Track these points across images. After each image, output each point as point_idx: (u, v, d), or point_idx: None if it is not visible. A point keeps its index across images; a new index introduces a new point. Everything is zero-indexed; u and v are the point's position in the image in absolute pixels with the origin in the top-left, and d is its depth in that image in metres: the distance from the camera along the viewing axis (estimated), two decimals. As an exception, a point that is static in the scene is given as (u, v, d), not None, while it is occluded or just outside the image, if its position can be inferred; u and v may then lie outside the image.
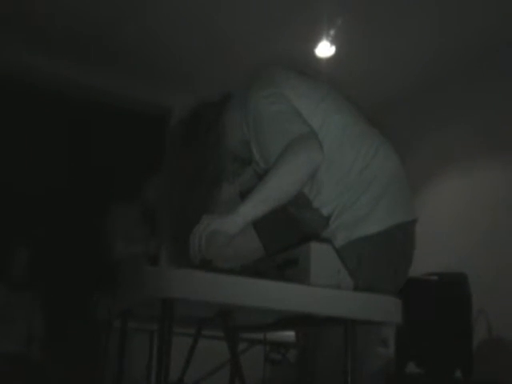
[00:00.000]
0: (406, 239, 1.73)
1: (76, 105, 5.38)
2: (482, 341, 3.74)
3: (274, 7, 4.00)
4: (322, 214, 1.69)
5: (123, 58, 4.78)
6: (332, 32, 4.17)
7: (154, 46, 4.60)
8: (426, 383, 3.38)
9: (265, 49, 4.37)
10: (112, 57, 4.78)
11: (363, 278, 1.55)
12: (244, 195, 1.70)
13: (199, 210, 1.60)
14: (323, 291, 1.26)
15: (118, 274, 3.78)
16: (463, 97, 4.50)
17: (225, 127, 1.84)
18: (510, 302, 3.64)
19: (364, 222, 1.64)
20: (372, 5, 3.91)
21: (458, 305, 3.41)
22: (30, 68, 4.73)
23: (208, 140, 1.82)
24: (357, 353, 1.38)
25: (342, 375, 1.36)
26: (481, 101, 4.32)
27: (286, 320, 1.55)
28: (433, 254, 3.93)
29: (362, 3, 3.90)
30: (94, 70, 4.89)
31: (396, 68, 4.65)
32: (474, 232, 4.12)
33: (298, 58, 4.26)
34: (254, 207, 1.55)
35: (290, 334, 3.31)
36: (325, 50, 4.34)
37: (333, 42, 4.28)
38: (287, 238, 1.77)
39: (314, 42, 4.30)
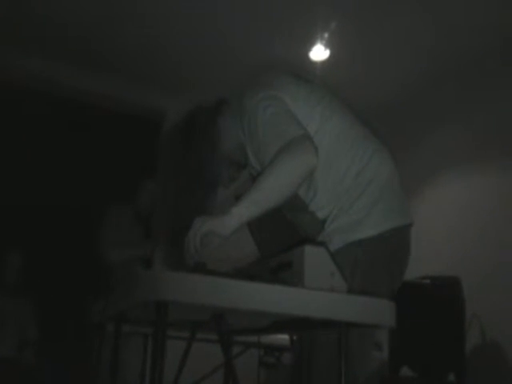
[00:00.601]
0: (402, 243, 1.73)
1: (70, 108, 5.37)
2: (475, 345, 3.75)
3: (268, 11, 4.00)
4: (317, 217, 1.69)
5: (117, 61, 4.78)
6: (326, 36, 4.18)
7: (149, 49, 4.59)
8: (419, 387, 3.38)
9: (259, 52, 4.37)
10: (106, 61, 4.77)
11: (358, 282, 1.55)
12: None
13: (195, 215, 1.59)
14: (317, 294, 1.26)
15: (111, 278, 3.78)
16: (459, 100, 4.50)
17: (220, 131, 1.84)
18: (503, 306, 3.65)
19: (360, 225, 1.64)
20: (366, 8, 3.92)
21: (452, 308, 3.42)
22: (24, 71, 4.72)
23: (203, 144, 1.82)
24: (351, 356, 1.38)
25: (336, 378, 1.36)
26: (477, 104, 4.33)
27: (280, 323, 1.56)
28: (426, 257, 3.94)
29: (356, 7, 3.91)
30: (88, 73, 4.88)
31: (391, 71, 4.66)
32: (468, 236, 4.12)
33: (293, 62, 4.27)
34: (248, 208, 1.55)
35: (284, 338, 3.31)
36: (319, 53, 4.35)
37: (327, 45, 4.28)
38: (283, 241, 1.77)
39: (309, 45, 4.30)
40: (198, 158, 1.82)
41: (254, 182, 1.60)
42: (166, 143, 2.00)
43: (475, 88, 4.35)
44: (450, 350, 3.36)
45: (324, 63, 4.46)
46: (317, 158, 1.59)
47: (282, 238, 1.82)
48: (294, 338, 2.33)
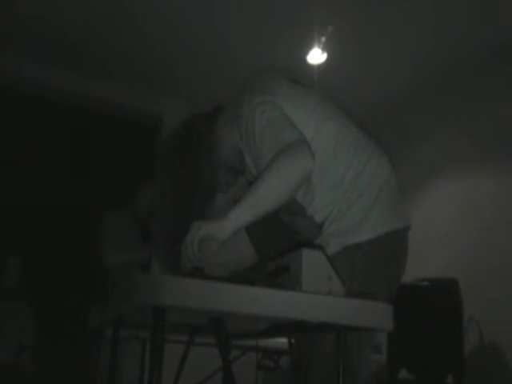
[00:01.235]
0: (399, 246, 1.74)
1: (68, 113, 5.37)
2: (474, 347, 3.75)
3: (265, 15, 4.01)
4: (315, 221, 1.70)
5: (115, 67, 4.79)
6: (323, 39, 4.18)
7: (146, 54, 4.60)
8: (418, 389, 3.38)
9: (256, 56, 4.38)
10: (103, 66, 4.78)
11: (356, 285, 1.55)
12: None
13: (192, 220, 1.59)
14: (315, 298, 1.26)
15: (110, 282, 3.77)
16: (456, 103, 4.51)
17: (217, 137, 1.85)
18: (501, 308, 3.65)
19: (357, 228, 1.65)
20: (362, 12, 3.93)
21: (450, 311, 3.42)
22: (22, 76, 4.73)
23: (201, 151, 1.83)
24: (349, 359, 1.38)
25: (334, 382, 1.36)
26: (474, 106, 4.34)
27: (279, 327, 1.56)
28: (424, 259, 3.94)
29: (353, 10, 3.92)
30: (85, 78, 4.89)
31: (387, 74, 4.67)
32: (466, 238, 4.13)
33: (290, 65, 4.27)
34: (245, 212, 1.55)
35: (282, 341, 3.30)
36: (316, 56, 4.36)
37: (324, 48, 4.29)
38: (281, 245, 1.77)
39: (306, 49, 4.31)
40: (196, 165, 1.82)
41: (251, 187, 1.60)
42: (163, 150, 1.99)
43: (472, 90, 4.36)
44: (448, 353, 3.36)
45: (321, 66, 4.46)
46: (313, 161, 1.59)
47: (280, 242, 1.83)
48: (293, 341, 2.33)
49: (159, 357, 1.15)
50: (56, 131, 5.74)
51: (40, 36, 4.41)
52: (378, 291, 1.59)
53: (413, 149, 4.85)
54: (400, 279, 1.74)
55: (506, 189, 3.96)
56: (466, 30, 4.04)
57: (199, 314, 1.31)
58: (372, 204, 1.67)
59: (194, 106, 1.97)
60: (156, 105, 5.16)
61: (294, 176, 1.58)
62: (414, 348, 3.42)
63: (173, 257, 1.65)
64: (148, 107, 5.19)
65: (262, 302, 1.19)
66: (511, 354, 3.63)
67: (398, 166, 1.85)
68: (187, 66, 4.74)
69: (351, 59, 4.50)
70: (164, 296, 1.11)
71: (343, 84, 4.63)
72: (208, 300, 1.14)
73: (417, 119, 4.88)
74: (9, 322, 4.39)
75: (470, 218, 4.16)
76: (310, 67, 4.44)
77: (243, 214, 1.55)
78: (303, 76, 1.93)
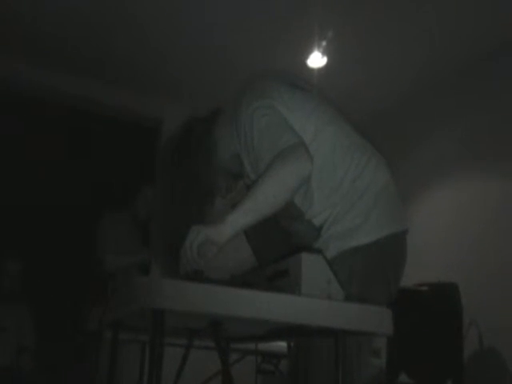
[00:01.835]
0: (398, 249, 1.73)
1: (68, 116, 5.38)
2: (474, 351, 3.74)
3: (265, 19, 4.02)
4: (314, 225, 1.69)
5: (115, 69, 4.79)
6: (323, 43, 4.19)
7: (146, 58, 4.60)
8: (417, 394, 3.38)
9: (256, 60, 4.38)
10: (103, 68, 4.78)
11: (355, 289, 1.55)
12: None
13: (191, 225, 1.59)
14: (314, 302, 1.26)
15: (109, 284, 3.77)
16: (456, 106, 4.51)
17: (216, 141, 1.85)
18: (501, 313, 3.65)
19: (355, 232, 1.65)
20: (362, 15, 3.93)
21: (449, 315, 3.41)
22: (20, 78, 4.73)
23: (199, 155, 1.82)
24: (348, 363, 1.38)
25: (333, 386, 1.36)
26: (474, 110, 4.34)
27: (278, 330, 1.55)
28: (424, 264, 3.94)
29: (353, 14, 3.93)
30: (85, 81, 4.89)
31: (387, 78, 4.68)
32: (466, 242, 4.12)
33: (290, 69, 4.27)
34: (243, 216, 1.55)
35: (281, 345, 3.30)
36: (316, 60, 4.37)
37: (324, 52, 4.30)
38: (280, 249, 1.77)
39: (306, 52, 4.32)
40: (194, 169, 1.81)
41: (250, 190, 1.60)
42: (162, 153, 1.98)
43: (473, 93, 4.36)
44: (448, 357, 3.35)
45: (321, 70, 4.47)
46: (311, 164, 1.59)
47: (279, 246, 1.83)
48: (292, 345, 2.33)
49: (158, 360, 1.15)
50: (57, 133, 5.74)
51: (42, 39, 4.41)
52: (376, 295, 1.59)
53: (413, 152, 4.85)
54: (399, 283, 1.74)
55: (506, 193, 3.95)
56: (466, 33, 4.05)
57: (198, 318, 1.31)
58: (371, 207, 1.67)
59: (195, 109, 1.97)
60: (156, 107, 5.17)
61: (293, 179, 1.58)
62: (414, 352, 3.41)
63: (172, 260, 1.65)
64: (148, 110, 5.20)
65: (261, 306, 1.19)
66: (511, 358, 3.62)
67: (398, 169, 1.85)
68: (188, 70, 4.74)
69: (351, 63, 4.50)
70: (163, 299, 1.11)
71: (343, 88, 4.63)
72: (207, 303, 1.14)
73: (417, 123, 4.88)
74: (8, 323, 4.39)
75: (470, 222, 4.16)
76: (311, 71, 4.44)
77: (242, 218, 1.55)
78: (302, 79, 1.93)
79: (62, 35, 4.35)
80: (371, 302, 1.36)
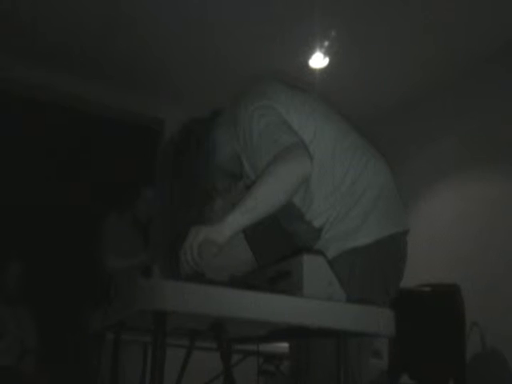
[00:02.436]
0: (398, 250, 1.73)
1: (69, 117, 5.38)
2: (476, 352, 3.74)
3: (267, 19, 4.02)
4: (314, 226, 1.69)
5: (116, 70, 4.80)
6: (326, 43, 4.19)
7: (147, 59, 4.61)
8: (419, 395, 3.37)
9: (258, 61, 4.39)
10: (104, 69, 4.79)
11: (354, 290, 1.55)
12: None
13: (192, 226, 1.59)
14: (316, 303, 1.26)
15: (111, 286, 3.77)
16: (457, 109, 4.52)
17: (215, 143, 1.85)
18: (503, 314, 3.65)
19: (355, 233, 1.64)
20: (365, 16, 3.94)
21: (451, 316, 3.41)
22: (22, 80, 4.74)
23: (199, 155, 1.82)
24: (349, 364, 1.38)
25: (334, 387, 1.36)
26: (474, 113, 4.35)
27: (279, 331, 1.55)
28: (426, 265, 3.94)
29: (355, 15, 3.93)
30: (87, 82, 4.90)
31: (388, 79, 4.68)
32: (468, 243, 4.12)
33: (292, 70, 4.28)
34: (242, 216, 1.55)
35: (283, 346, 3.30)
36: (319, 61, 4.37)
37: (326, 53, 4.30)
38: (280, 251, 1.77)
39: (308, 53, 4.32)
40: (194, 170, 1.82)
41: (249, 190, 1.60)
42: (162, 154, 1.98)
43: (473, 96, 4.37)
44: (450, 358, 3.35)
45: (323, 71, 4.47)
46: (311, 164, 1.59)
47: (279, 247, 1.83)
48: (293, 346, 2.32)
49: (160, 361, 1.15)
50: (58, 135, 5.74)
51: (43, 40, 4.43)
52: (375, 295, 1.59)
53: (414, 154, 4.85)
54: (399, 283, 1.74)
55: (508, 193, 3.95)
56: (467, 35, 4.05)
57: (200, 319, 1.31)
58: (370, 208, 1.67)
59: (197, 110, 1.97)
60: (158, 109, 5.18)
61: (292, 178, 1.58)
62: (416, 353, 3.41)
63: (172, 262, 1.65)
64: (150, 111, 5.21)
65: (263, 307, 1.19)
66: (513, 359, 3.62)
67: (399, 171, 1.86)
68: (190, 71, 4.75)
69: (353, 64, 4.51)
70: (165, 301, 1.11)
71: (345, 88, 4.64)
72: (208, 305, 1.14)
73: (418, 124, 4.88)
74: (10, 326, 4.39)
75: (472, 223, 4.16)
76: (313, 71, 4.45)
77: (241, 217, 1.55)
78: (302, 80, 1.93)
79: (64, 37, 4.36)
80: (370, 303, 1.35)
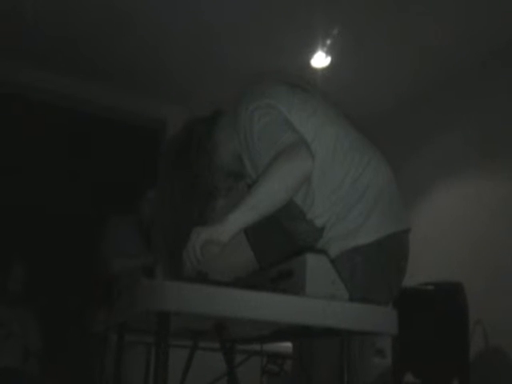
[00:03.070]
0: (400, 249, 1.73)
1: (71, 118, 5.38)
2: (480, 351, 3.73)
3: (268, 19, 4.02)
4: (315, 225, 1.69)
5: (117, 71, 4.80)
6: (327, 43, 4.19)
7: (148, 59, 4.62)
8: (423, 393, 3.37)
9: (260, 60, 4.39)
10: (106, 70, 4.80)
11: (357, 289, 1.55)
12: None
13: (193, 226, 1.59)
14: (319, 302, 1.26)
15: (114, 287, 3.77)
16: (460, 107, 4.51)
17: (216, 142, 1.84)
18: (507, 312, 3.64)
19: (357, 232, 1.64)
20: (367, 16, 3.94)
21: (455, 314, 3.41)
22: (22, 81, 4.75)
23: (200, 156, 1.82)
24: (353, 363, 1.38)
25: (338, 386, 1.36)
26: (477, 111, 4.34)
27: (283, 331, 1.55)
28: (429, 263, 3.93)
29: (357, 14, 3.93)
30: (88, 83, 4.91)
31: (391, 78, 4.68)
32: (471, 241, 4.12)
33: (294, 69, 4.28)
34: (243, 214, 1.55)
35: (287, 346, 3.30)
36: (320, 60, 4.37)
37: (328, 52, 4.30)
38: (281, 250, 1.77)
39: (310, 52, 4.32)
40: (195, 169, 1.81)
41: (251, 188, 1.60)
42: (163, 154, 1.98)
43: (476, 93, 4.36)
44: (454, 357, 3.35)
45: (325, 70, 4.47)
46: (313, 162, 1.59)
47: (280, 247, 1.83)
48: (297, 346, 2.33)
49: (164, 362, 1.15)
50: (59, 136, 5.74)
51: (45, 41, 4.43)
52: (377, 294, 1.59)
53: (416, 153, 4.85)
54: (401, 282, 1.74)
55: (504, 193, 3.96)
56: (469, 33, 4.05)
57: (203, 319, 1.31)
58: (372, 207, 1.67)
59: (198, 110, 1.97)
60: (160, 110, 5.18)
61: (294, 177, 1.58)
62: (419, 352, 3.41)
63: (175, 262, 1.65)
64: (152, 112, 5.21)
65: (266, 307, 1.19)
66: (517, 357, 3.62)
67: (402, 169, 1.86)
68: (192, 71, 4.75)
69: (356, 63, 4.50)
70: (168, 301, 1.11)
71: (348, 87, 4.63)
72: (212, 305, 1.14)
73: (418, 124, 4.88)
74: (14, 327, 4.39)
75: (475, 221, 4.16)
76: (314, 71, 4.45)
77: (243, 216, 1.55)
78: (304, 80, 1.93)
79: (65, 37, 4.36)
80: (372, 301, 1.35)
